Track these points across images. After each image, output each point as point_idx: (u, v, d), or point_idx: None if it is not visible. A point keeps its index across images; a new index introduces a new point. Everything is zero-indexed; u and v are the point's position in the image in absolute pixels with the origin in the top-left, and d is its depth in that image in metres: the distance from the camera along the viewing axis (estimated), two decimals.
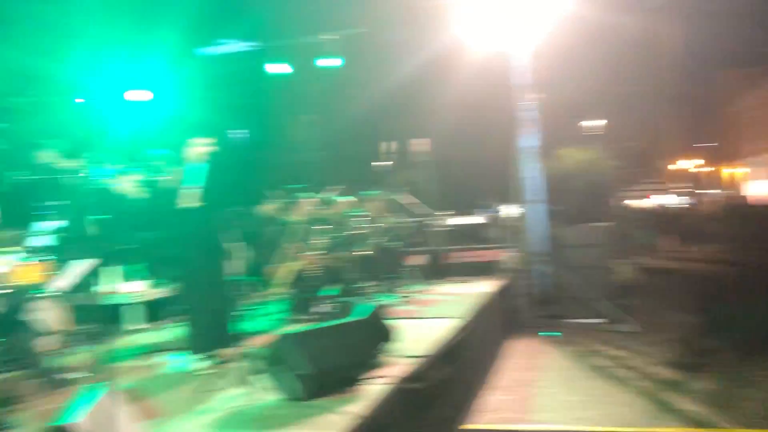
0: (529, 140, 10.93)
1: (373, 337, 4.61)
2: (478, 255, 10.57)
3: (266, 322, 6.99)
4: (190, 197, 4.66)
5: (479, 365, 6.89)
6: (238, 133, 9.36)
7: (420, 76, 11.13)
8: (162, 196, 6.44)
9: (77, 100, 12.50)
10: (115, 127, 12.46)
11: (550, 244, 10.46)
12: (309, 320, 6.84)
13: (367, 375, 4.39)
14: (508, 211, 10.94)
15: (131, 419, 3.16)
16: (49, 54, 11.44)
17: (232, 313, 5.56)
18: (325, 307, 7.50)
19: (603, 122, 28.76)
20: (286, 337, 4.13)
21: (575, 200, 10.76)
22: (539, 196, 10.50)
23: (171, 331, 6.81)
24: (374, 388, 4.26)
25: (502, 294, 9.30)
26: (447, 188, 11.47)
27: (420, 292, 8.86)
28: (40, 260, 5.46)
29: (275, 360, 4.18)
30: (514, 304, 10.15)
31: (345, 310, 5.86)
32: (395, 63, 11.27)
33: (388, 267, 8.88)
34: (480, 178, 11.89)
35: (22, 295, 4.72)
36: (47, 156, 8.20)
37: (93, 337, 6.55)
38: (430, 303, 7.95)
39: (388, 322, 5.12)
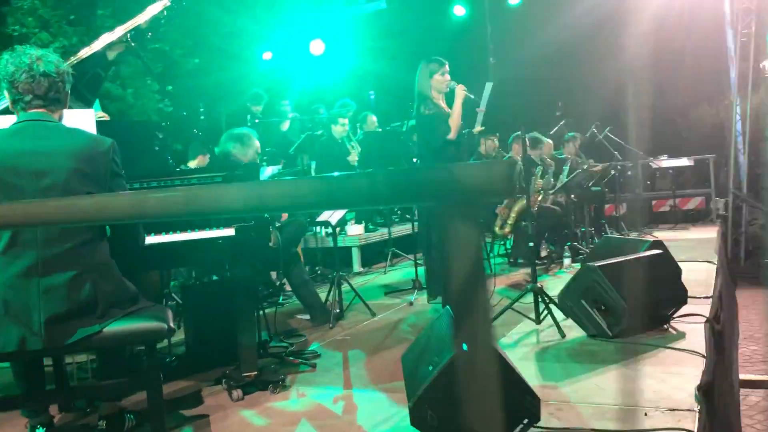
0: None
1: (669, 273, 4.16)
2: (685, 201, 9.77)
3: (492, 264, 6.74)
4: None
5: (733, 313, 6.27)
6: None
7: (618, 8, 10.26)
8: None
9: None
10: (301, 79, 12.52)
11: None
12: (534, 264, 6.51)
13: (673, 313, 3.97)
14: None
15: None
16: (243, 10, 11.64)
17: None
18: (545, 251, 7.16)
19: None
20: (594, 269, 3.78)
21: None
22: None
23: (399, 273, 6.75)
24: (687, 327, 3.85)
25: (724, 241, 8.52)
26: (652, 128, 10.63)
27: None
28: None
29: (579, 295, 3.86)
30: (732, 253, 9.32)
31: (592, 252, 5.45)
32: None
33: (593, 212, 8.33)
34: (688, 118, 10.93)
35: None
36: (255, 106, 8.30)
37: (326, 277, 6.57)
38: None
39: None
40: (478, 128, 4.38)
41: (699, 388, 2.78)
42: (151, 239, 2.86)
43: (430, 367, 2.38)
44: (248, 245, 2.98)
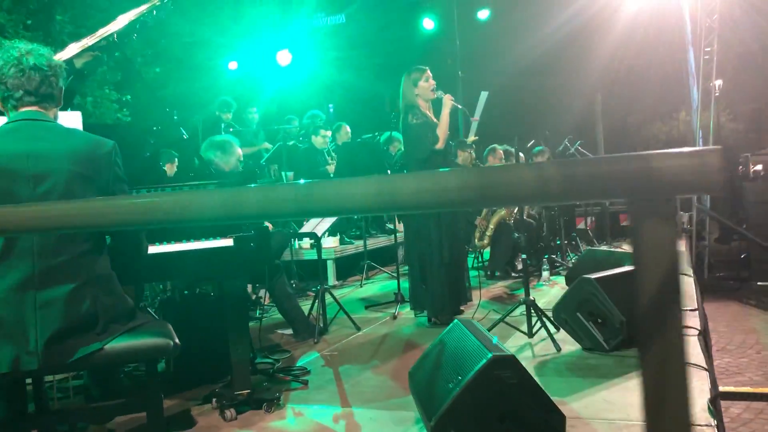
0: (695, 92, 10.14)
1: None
2: None
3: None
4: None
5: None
6: None
7: (585, 25, 10.43)
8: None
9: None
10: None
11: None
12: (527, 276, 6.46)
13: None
14: None
15: None
16: (209, 21, 11.42)
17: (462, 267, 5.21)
18: (522, 263, 7.12)
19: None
20: (590, 282, 3.73)
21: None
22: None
23: (376, 286, 6.62)
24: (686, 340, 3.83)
25: (690, 254, 8.68)
26: (618, 142, 10.80)
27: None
28: None
29: (574, 308, 3.80)
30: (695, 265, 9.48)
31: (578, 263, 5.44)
32: (553, 13, 10.61)
33: (565, 226, 8.37)
34: (641, 134, 11.13)
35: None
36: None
37: (303, 291, 6.40)
38: None
39: None
40: (471, 137, 4.31)
41: (711, 401, 2.74)
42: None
43: (450, 385, 2.27)
44: (246, 256, 2.82)
